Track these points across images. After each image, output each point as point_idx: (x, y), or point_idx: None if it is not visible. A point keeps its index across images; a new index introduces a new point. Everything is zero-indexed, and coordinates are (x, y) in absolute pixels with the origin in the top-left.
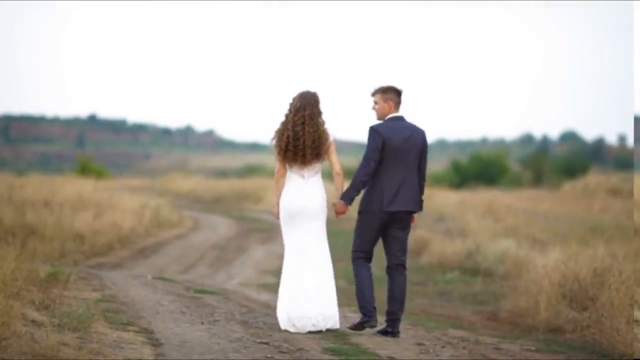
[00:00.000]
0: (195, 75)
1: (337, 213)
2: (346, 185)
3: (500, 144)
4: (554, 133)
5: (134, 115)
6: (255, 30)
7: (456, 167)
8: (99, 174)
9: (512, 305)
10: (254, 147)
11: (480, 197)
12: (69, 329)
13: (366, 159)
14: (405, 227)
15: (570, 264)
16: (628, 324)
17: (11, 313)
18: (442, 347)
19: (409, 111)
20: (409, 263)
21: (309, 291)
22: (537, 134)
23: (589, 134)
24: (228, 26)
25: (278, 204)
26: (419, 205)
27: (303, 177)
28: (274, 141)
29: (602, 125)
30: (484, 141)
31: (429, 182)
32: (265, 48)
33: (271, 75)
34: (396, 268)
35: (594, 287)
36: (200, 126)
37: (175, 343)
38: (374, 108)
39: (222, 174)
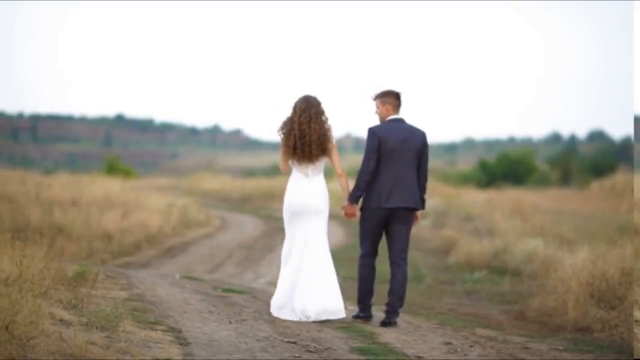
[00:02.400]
0: (222, 75)
1: (348, 215)
2: (351, 184)
3: (528, 143)
4: (582, 132)
5: (161, 114)
6: (283, 30)
7: (483, 167)
8: (126, 174)
9: (540, 305)
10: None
11: (508, 196)
12: (96, 328)
13: (365, 159)
14: (405, 223)
15: (598, 263)
16: None
17: (39, 312)
18: (470, 346)
19: (437, 110)
20: (436, 262)
21: (306, 285)
22: (565, 133)
23: (616, 133)
24: (256, 26)
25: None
26: (418, 203)
27: (307, 175)
28: (282, 141)
29: (630, 124)
30: (511, 140)
31: (456, 181)
32: (293, 48)
33: (299, 75)
34: (396, 262)
35: (622, 286)
36: (228, 125)
37: (203, 342)
38: (376, 112)
39: (249, 173)
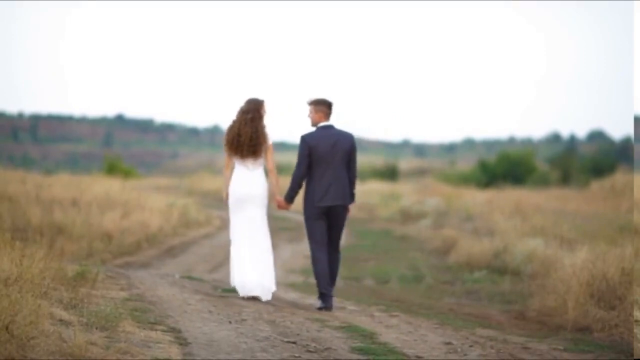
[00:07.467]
0: (222, 75)
1: (279, 207)
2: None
3: (528, 143)
4: (582, 132)
5: (161, 114)
6: (283, 30)
7: (483, 167)
8: (127, 174)
9: (540, 305)
10: (280, 147)
11: (508, 196)
12: (96, 328)
13: (297, 164)
14: (338, 218)
15: (598, 263)
16: None
17: (39, 312)
18: (470, 346)
19: (437, 110)
20: (436, 262)
21: (251, 265)
22: (565, 133)
23: (616, 133)
24: (257, 26)
25: (226, 191)
26: (348, 199)
27: (248, 168)
28: (224, 136)
29: (630, 124)
30: (511, 140)
31: (456, 181)
32: (293, 49)
33: (297, 76)
34: (332, 251)
35: (622, 286)
36: (227, 125)
37: (203, 342)
38: (308, 116)
39: None
